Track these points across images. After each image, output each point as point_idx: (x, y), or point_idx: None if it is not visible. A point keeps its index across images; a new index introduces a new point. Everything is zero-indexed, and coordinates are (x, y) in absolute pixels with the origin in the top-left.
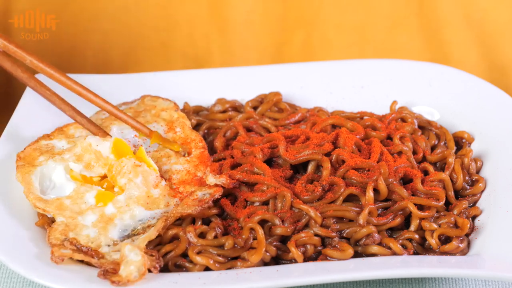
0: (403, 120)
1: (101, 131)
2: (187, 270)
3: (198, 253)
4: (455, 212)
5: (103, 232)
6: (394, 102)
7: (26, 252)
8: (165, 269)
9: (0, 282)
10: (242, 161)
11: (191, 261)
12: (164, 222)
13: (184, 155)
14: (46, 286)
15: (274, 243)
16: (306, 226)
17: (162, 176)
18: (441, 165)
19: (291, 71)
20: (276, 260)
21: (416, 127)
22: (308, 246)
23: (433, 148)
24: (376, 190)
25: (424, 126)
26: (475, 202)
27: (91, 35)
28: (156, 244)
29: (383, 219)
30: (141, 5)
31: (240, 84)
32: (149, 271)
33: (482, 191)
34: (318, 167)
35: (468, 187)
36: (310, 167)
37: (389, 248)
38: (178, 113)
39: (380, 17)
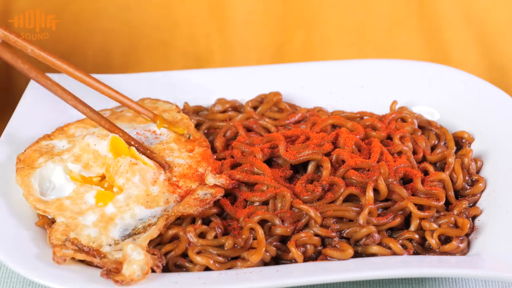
0: (403, 120)
1: (104, 119)
2: (187, 270)
3: (198, 253)
4: (455, 212)
5: (104, 231)
6: (394, 102)
7: (26, 252)
8: (165, 269)
9: (0, 282)
10: (242, 161)
11: (191, 261)
12: (165, 220)
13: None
14: (46, 286)
15: (274, 243)
16: (306, 226)
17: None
18: (441, 165)
19: (291, 71)
20: (276, 260)
21: (416, 127)
22: (308, 246)
23: (433, 148)
24: (376, 190)
25: (424, 126)
26: (475, 202)
27: (91, 35)
28: (156, 244)
29: (383, 219)
30: (141, 5)
31: (240, 84)
32: (152, 270)
33: (482, 191)
34: (318, 167)
35: (468, 187)
36: (310, 167)
37: (389, 248)
38: (181, 115)
39: (380, 17)
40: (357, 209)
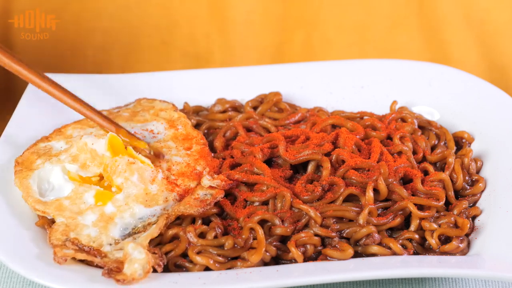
0: (403, 120)
1: (101, 115)
2: (187, 270)
3: (198, 253)
4: (455, 212)
5: (104, 231)
6: (394, 102)
7: (26, 252)
8: (165, 269)
9: (0, 282)
10: (242, 161)
11: (191, 261)
12: (166, 220)
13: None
14: (46, 286)
15: (274, 243)
16: (306, 226)
17: (159, 166)
18: (441, 165)
19: (291, 71)
20: (276, 260)
21: (416, 127)
22: (308, 246)
23: (433, 148)
24: (376, 190)
25: (424, 126)
26: (475, 202)
27: (91, 35)
28: (156, 244)
29: (383, 219)
30: (141, 5)
31: (240, 84)
32: (153, 269)
33: (482, 191)
34: (318, 167)
35: (468, 187)
36: (310, 167)
37: (389, 248)
38: (178, 113)
39: (380, 17)
40: (357, 209)
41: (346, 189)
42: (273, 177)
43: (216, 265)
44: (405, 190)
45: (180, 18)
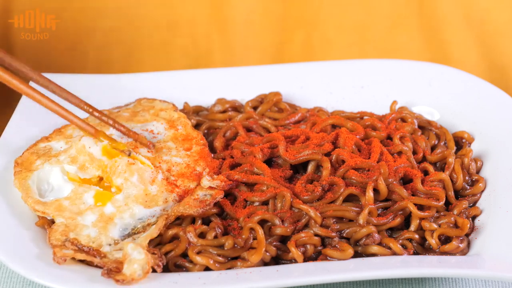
0: (403, 120)
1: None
2: (187, 270)
3: (198, 253)
4: (455, 212)
5: (103, 231)
6: (394, 102)
7: (26, 252)
8: (165, 269)
9: (0, 282)
10: (241, 161)
11: (191, 261)
12: (165, 220)
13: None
14: (46, 286)
15: (274, 243)
16: (306, 226)
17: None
18: (441, 165)
19: (291, 71)
20: (276, 260)
21: (416, 127)
22: (308, 246)
23: (433, 148)
24: (376, 190)
25: (424, 126)
26: (475, 202)
27: (91, 35)
28: (156, 244)
29: (383, 219)
30: (142, 5)
31: (240, 84)
32: (153, 270)
33: (482, 191)
34: (318, 167)
35: (468, 187)
36: (310, 167)
37: (389, 248)
38: (178, 113)
39: (380, 17)
40: (357, 209)
41: (346, 189)
42: (273, 177)
43: (216, 265)
44: (405, 190)
45: (181, 19)
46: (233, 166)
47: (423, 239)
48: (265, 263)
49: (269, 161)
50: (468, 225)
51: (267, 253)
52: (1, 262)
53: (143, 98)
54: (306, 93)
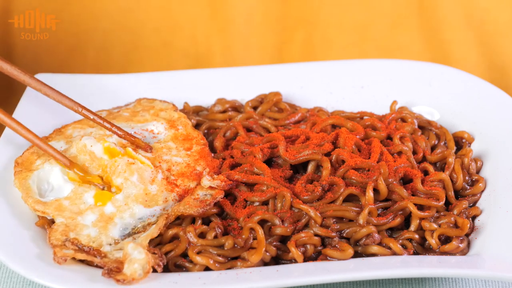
0: (403, 120)
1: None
2: (187, 270)
3: (198, 253)
4: (455, 212)
5: (103, 231)
6: (394, 102)
7: (26, 252)
8: (165, 269)
9: (0, 282)
10: (241, 161)
11: (191, 261)
12: (165, 220)
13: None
14: (46, 286)
15: (274, 243)
16: (306, 226)
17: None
18: (441, 165)
19: (291, 71)
20: (276, 260)
21: (416, 127)
22: (308, 246)
23: (433, 148)
24: (376, 190)
25: (424, 126)
26: (475, 202)
27: (91, 35)
28: (156, 244)
29: (383, 219)
30: (142, 5)
31: (240, 84)
32: (153, 269)
33: (482, 191)
34: (318, 167)
35: (468, 187)
36: (310, 167)
37: (389, 248)
38: (179, 113)
39: (381, 17)
40: (357, 209)
41: (346, 189)
42: (273, 177)
43: (216, 265)
44: (405, 190)
45: (181, 19)
46: (233, 166)
47: (423, 239)
48: (265, 263)
49: (269, 161)
50: (468, 225)
51: (267, 253)
52: (1, 262)
53: (143, 98)
54: (306, 93)
